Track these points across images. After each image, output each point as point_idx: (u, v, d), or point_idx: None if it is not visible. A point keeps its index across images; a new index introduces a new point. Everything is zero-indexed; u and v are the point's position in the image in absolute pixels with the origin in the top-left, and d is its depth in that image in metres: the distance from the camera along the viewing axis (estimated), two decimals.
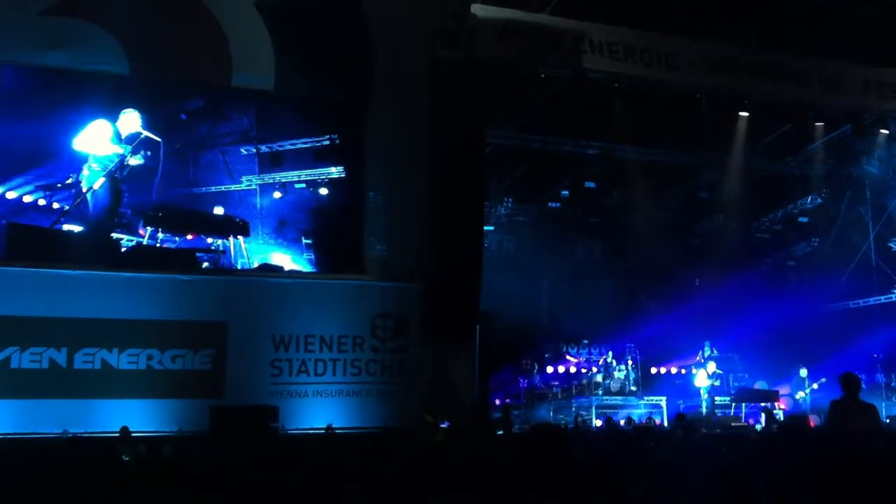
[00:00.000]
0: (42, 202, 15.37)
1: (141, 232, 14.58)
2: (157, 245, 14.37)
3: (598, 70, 14.47)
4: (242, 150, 17.85)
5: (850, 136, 17.23)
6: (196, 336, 12.22)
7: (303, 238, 17.57)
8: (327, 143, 17.01)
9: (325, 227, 16.92)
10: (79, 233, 13.54)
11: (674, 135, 17.29)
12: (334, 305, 13.07)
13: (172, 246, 14.71)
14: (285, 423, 11.92)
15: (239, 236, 15.30)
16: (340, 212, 16.00)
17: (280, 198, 17.88)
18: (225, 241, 15.17)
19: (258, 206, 18.02)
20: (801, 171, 19.70)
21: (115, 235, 13.71)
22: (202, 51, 13.09)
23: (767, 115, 16.45)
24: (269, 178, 17.96)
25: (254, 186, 18.06)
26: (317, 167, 17.42)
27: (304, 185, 17.83)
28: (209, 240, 15.19)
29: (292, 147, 17.49)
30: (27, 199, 15.50)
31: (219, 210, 16.93)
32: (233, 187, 18.01)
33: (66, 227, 13.68)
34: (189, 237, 15.04)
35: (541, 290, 19.91)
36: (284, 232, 17.74)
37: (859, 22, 14.95)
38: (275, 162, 17.67)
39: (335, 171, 17.06)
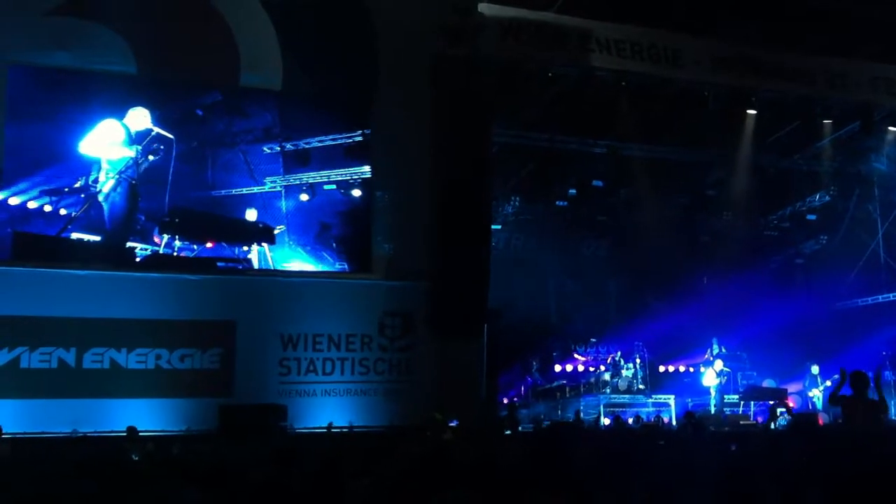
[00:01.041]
0: (48, 208, 14.06)
1: (156, 240, 13.88)
2: (174, 254, 13.68)
3: (604, 68, 14.47)
4: (265, 149, 15.93)
5: (858, 133, 17.16)
6: (204, 335, 12.28)
7: (334, 244, 15.85)
8: (359, 138, 15.13)
9: (359, 232, 14.92)
10: (94, 242, 13.20)
11: (681, 132, 17.25)
12: (342, 304, 13.11)
13: (190, 255, 14.06)
14: (294, 422, 11.94)
15: (263, 243, 14.48)
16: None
17: (308, 200, 16.02)
18: (248, 249, 14.36)
19: (283, 209, 16.12)
20: (810, 169, 19.62)
21: (128, 244, 13.38)
22: (210, 50, 13.11)
23: (775, 113, 16.41)
24: (294, 179, 16.07)
25: (278, 188, 16.13)
26: (348, 166, 15.51)
27: (333, 186, 15.92)
28: (245, 247, 14.30)
29: (320, 144, 15.61)
30: (32, 204, 14.07)
31: (251, 213, 15.50)
32: (255, 189, 16.05)
33: (74, 235, 13.27)
34: (208, 245, 14.30)
35: (548, 288, 19.87)
36: (322, 238, 15.98)
37: (860, 21, 14.90)
38: (301, 161, 15.71)
39: (368, 170, 15.04)
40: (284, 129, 15.77)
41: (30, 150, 13.04)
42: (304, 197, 16.09)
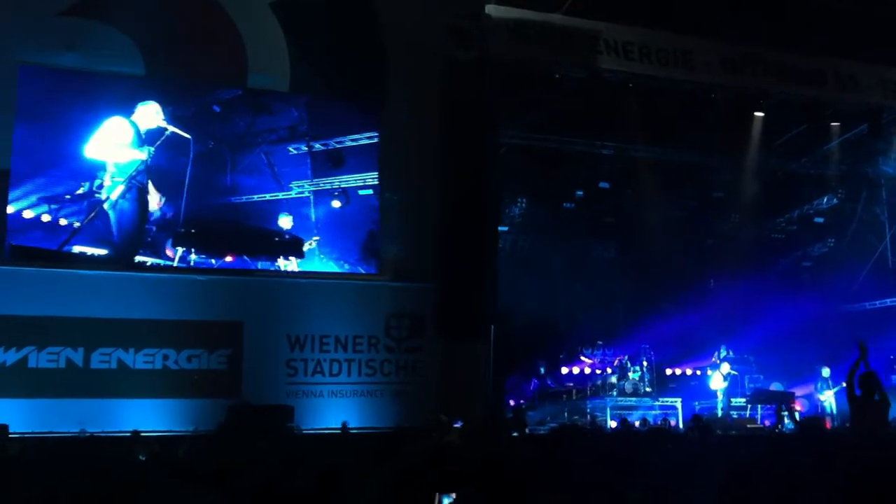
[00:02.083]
0: (46, 217, 12.35)
1: (169, 253, 12.91)
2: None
3: (612, 70, 14.47)
4: (291, 149, 13.96)
5: (866, 135, 17.15)
6: (212, 336, 12.30)
7: (371, 258, 14.18)
8: None
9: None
10: (100, 256, 12.52)
11: (689, 134, 17.23)
12: (349, 305, 13.11)
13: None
14: (301, 423, 11.95)
15: (291, 257, 13.53)
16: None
17: (340, 207, 14.06)
18: (278, 266, 13.62)
19: (313, 218, 14.07)
20: (817, 172, 19.60)
21: (138, 258, 12.75)
22: (217, 51, 13.13)
23: (783, 115, 16.41)
24: (325, 184, 14.02)
25: (306, 194, 14.01)
26: None
27: (370, 192, 14.04)
28: (281, 261, 13.36)
29: (354, 144, 13.96)
30: (28, 214, 12.32)
31: (285, 221, 13.75)
32: (280, 195, 13.88)
33: (77, 248, 12.43)
34: (228, 259, 13.38)
35: (555, 290, 19.82)
36: (365, 250, 14.24)
37: (868, 23, 14.87)
38: (332, 163, 13.95)
39: None
40: (313, 127, 14.00)
41: (29, 152, 12.24)
42: (336, 203, 14.10)
